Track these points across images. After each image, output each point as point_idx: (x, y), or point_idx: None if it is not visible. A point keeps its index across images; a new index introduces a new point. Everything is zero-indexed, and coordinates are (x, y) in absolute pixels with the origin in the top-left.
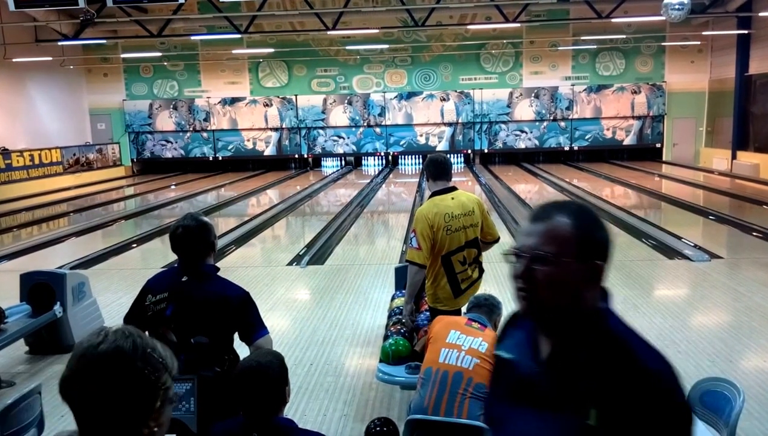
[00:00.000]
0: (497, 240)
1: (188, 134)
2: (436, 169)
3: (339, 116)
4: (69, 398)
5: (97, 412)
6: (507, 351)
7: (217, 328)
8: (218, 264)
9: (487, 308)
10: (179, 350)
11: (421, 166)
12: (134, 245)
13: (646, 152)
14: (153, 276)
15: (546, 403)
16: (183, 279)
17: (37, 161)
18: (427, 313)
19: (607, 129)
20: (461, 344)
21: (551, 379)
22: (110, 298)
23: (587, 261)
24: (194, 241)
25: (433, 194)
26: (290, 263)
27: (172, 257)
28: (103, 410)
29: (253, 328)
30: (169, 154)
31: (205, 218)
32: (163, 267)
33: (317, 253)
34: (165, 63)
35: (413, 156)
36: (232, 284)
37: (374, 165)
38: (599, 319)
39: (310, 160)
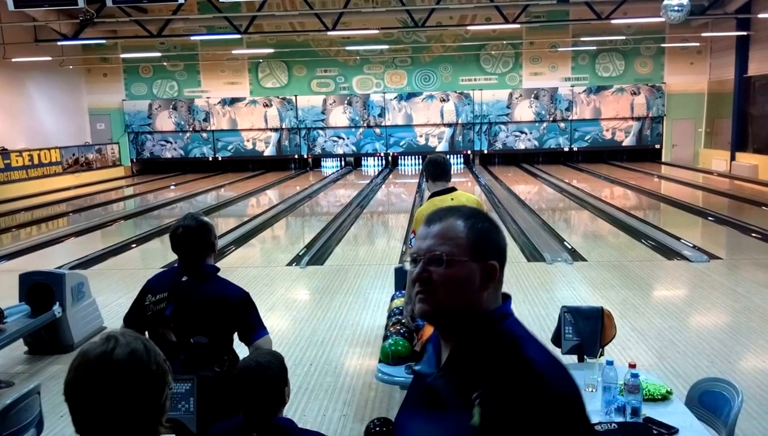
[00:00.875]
0: None
1: (188, 134)
2: (436, 169)
3: (339, 117)
4: (84, 407)
5: (120, 418)
6: (421, 365)
7: (217, 328)
8: (218, 264)
9: None
10: (179, 350)
11: (420, 167)
12: (134, 245)
13: (645, 153)
14: (153, 276)
15: (438, 405)
16: (183, 279)
17: (36, 161)
18: None
19: (607, 130)
20: None
21: (445, 382)
22: (109, 298)
23: (482, 261)
24: (194, 241)
25: (433, 195)
26: (290, 264)
27: (172, 256)
28: (126, 415)
29: (253, 328)
30: (168, 155)
31: (206, 218)
32: (162, 267)
33: (317, 253)
34: (165, 63)
35: (413, 157)
36: (232, 284)
37: (374, 165)
38: (495, 320)
39: (309, 160)
